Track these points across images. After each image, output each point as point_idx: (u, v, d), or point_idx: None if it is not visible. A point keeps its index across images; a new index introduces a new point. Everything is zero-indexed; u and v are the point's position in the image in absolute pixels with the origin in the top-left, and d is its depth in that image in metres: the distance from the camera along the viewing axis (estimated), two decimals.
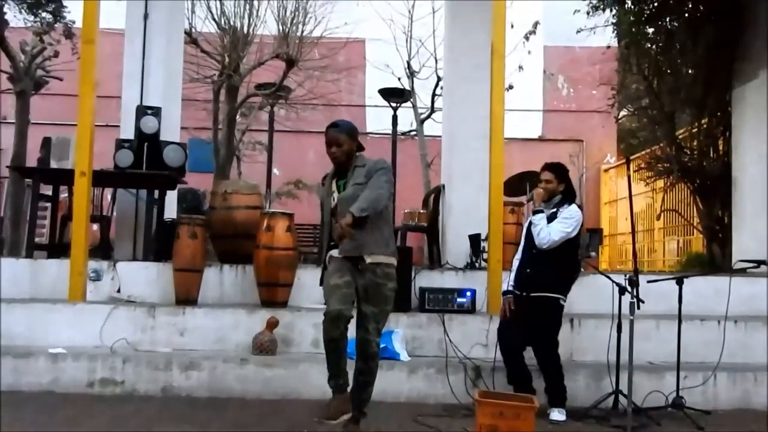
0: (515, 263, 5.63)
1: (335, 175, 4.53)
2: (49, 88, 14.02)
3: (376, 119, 17.49)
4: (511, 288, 5.53)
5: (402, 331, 6.20)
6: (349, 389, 4.33)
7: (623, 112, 15.34)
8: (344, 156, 4.43)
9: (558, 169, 5.55)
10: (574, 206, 5.44)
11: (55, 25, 13.39)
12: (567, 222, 5.33)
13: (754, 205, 8.82)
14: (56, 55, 13.39)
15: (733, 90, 9.52)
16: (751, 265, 7.77)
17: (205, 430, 4.72)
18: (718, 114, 10.10)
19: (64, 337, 6.12)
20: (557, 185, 5.48)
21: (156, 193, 7.68)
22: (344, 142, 4.42)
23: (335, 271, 4.32)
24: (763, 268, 7.78)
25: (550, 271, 5.33)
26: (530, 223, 5.49)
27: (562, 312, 5.39)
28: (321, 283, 4.47)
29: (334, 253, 4.38)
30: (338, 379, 4.27)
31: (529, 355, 5.41)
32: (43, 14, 13.24)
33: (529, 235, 5.49)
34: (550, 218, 5.37)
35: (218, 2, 13.69)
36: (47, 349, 5.85)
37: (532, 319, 5.32)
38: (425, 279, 6.87)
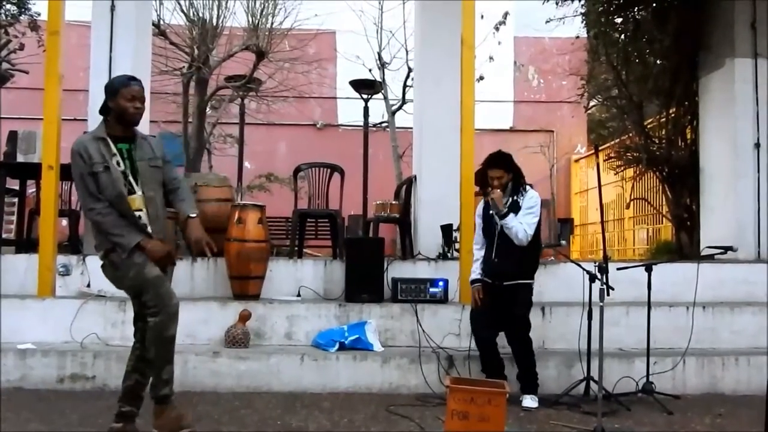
0: (477, 253, 5.62)
1: (111, 136, 4.30)
2: (14, 82, 13.76)
3: (348, 111, 17.50)
4: (479, 276, 5.55)
5: (375, 321, 6.21)
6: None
7: (593, 102, 15.43)
8: (141, 116, 4.26)
9: (503, 161, 5.45)
10: (531, 191, 5.44)
11: (20, 18, 13.16)
12: (533, 211, 5.34)
13: (720, 193, 8.93)
14: (22, 47, 13.15)
15: (699, 79, 9.61)
16: (718, 251, 7.86)
17: None
18: (686, 103, 10.17)
19: (33, 333, 6.06)
20: (508, 176, 5.41)
21: None
22: (144, 101, 4.28)
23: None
24: (730, 253, 7.88)
25: (521, 258, 5.36)
26: (500, 225, 5.37)
27: (533, 292, 5.45)
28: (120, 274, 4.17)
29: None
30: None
31: (502, 343, 5.45)
32: (8, 6, 13.01)
33: (489, 226, 5.47)
34: (511, 206, 5.35)
35: None
36: (16, 346, 5.78)
37: (504, 304, 5.34)
38: (397, 270, 6.88)
